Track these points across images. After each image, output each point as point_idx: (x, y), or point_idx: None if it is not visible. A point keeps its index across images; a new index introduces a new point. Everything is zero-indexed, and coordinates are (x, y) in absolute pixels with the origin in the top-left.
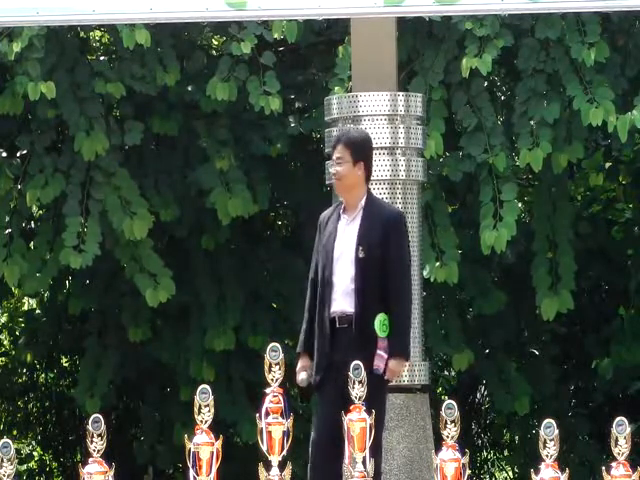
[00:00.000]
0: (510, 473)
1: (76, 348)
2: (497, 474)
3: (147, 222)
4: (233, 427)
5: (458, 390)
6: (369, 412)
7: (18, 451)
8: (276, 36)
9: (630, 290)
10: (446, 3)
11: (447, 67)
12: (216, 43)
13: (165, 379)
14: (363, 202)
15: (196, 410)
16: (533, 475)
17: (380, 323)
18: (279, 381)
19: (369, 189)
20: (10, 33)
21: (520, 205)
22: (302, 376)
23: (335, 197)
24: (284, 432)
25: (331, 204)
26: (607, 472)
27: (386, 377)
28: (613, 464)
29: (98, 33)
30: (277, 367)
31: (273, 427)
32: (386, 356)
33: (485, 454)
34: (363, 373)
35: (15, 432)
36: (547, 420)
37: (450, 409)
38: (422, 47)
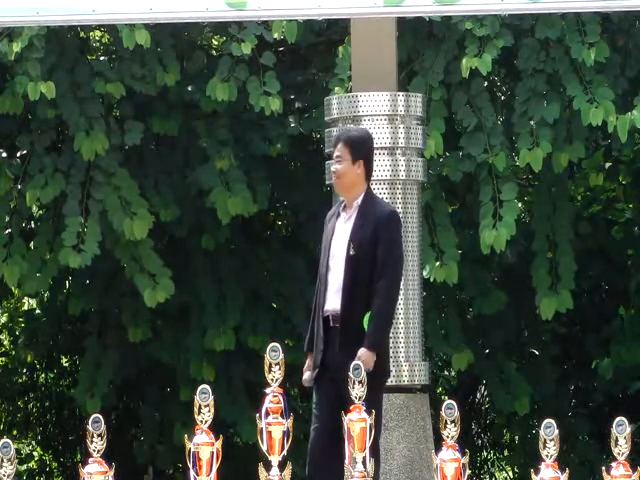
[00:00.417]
0: (510, 473)
1: (76, 348)
2: (497, 474)
3: (147, 222)
4: (233, 427)
5: (458, 390)
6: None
7: (18, 451)
8: (276, 36)
9: (630, 290)
10: (446, 3)
11: (447, 67)
12: (216, 43)
13: (165, 379)
14: (360, 200)
15: (196, 410)
16: (533, 475)
17: (368, 321)
18: (279, 381)
19: (369, 188)
20: (10, 33)
21: (520, 205)
22: (305, 376)
23: (335, 197)
24: (284, 432)
25: (331, 204)
26: (607, 472)
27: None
28: (613, 464)
29: (98, 33)
30: (277, 367)
31: (273, 427)
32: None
33: (485, 454)
34: (363, 373)
35: (15, 432)
36: (547, 420)
37: (450, 409)
38: (422, 47)
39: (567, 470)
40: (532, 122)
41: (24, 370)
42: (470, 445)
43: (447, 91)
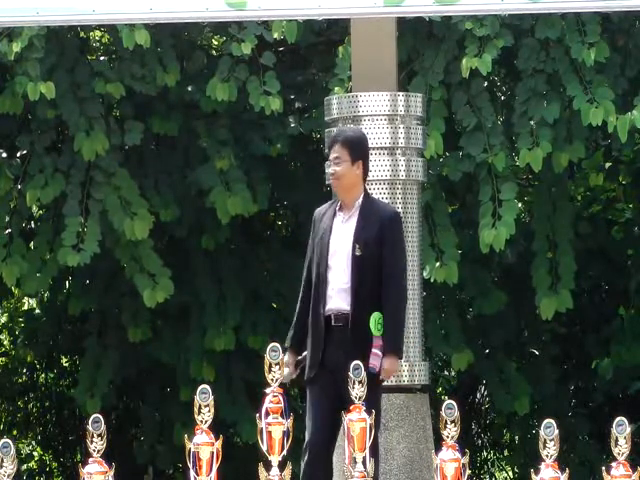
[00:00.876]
0: (510, 473)
1: (76, 348)
2: (497, 474)
3: (147, 222)
4: (233, 427)
5: (458, 390)
6: (368, 409)
7: (18, 451)
8: (276, 36)
9: (630, 290)
10: (446, 3)
11: (447, 67)
12: (216, 43)
13: (165, 379)
14: (360, 200)
15: (196, 410)
16: (533, 475)
17: (375, 322)
18: (279, 381)
19: (366, 188)
20: (10, 33)
21: (520, 205)
22: (285, 372)
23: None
24: (284, 432)
25: None
26: (607, 472)
27: (381, 377)
28: (613, 464)
29: (98, 33)
30: (277, 367)
31: (273, 427)
32: (381, 355)
33: (485, 454)
34: (363, 373)
35: (15, 432)
36: (547, 420)
37: (450, 409)
38: (422, 47)
39: (567, 470)
40: (532, 122)
41: (24, 370)
42: (470, 445)
43: (447, 91)
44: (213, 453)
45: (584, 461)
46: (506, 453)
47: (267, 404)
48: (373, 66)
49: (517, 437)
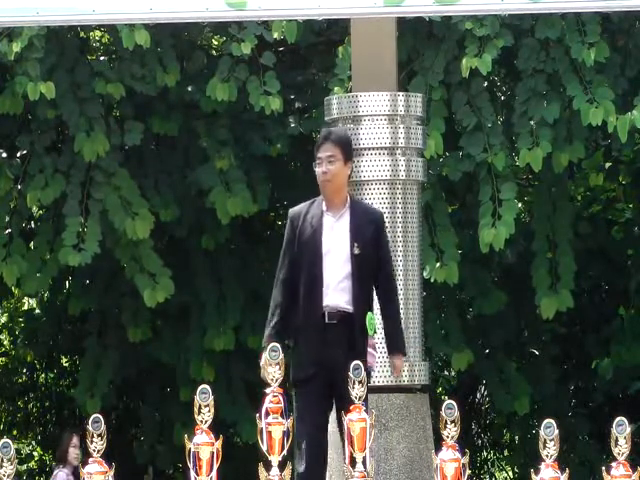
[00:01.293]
0: (510, 473)
1: (76, 348)
2: (497, 474)
3: (148, 222)
4: (233, 427)
5: (458, 390)
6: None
7: (18, 451)
8: (276, 36)
9: (630, 290)
10: (446, 3)
11: (447, 67)
12: (216, 43)
13: (165, 379)
14: (349, 201)
15: (196, 410)
16: (533, 475)
17: (369, 321)
18: (279, 381)
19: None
20: (10, 33)
21: (520, 205)
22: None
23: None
24: (284, 432)
25: None
26: (607, 472)
27: (394, 376)
28: (613, 464)
29: (98, 33)
30: (277, 367)
31: (273, 427)
32: (376, 354)
33: (485, 454)
34: (363, 373)
35: (15, 432)
36: (547, 420)
37: (450, 409)
38: (422, 47)
39: (567, 470)
40: (532, 122)
41: (24, 370)
42: (470, 445)
43: (447, 91)
44: (213, 453)
45: (584, 461)
46: (506, 453)
47: (267, 404)
48: (373, 66)
49: (517, 437)
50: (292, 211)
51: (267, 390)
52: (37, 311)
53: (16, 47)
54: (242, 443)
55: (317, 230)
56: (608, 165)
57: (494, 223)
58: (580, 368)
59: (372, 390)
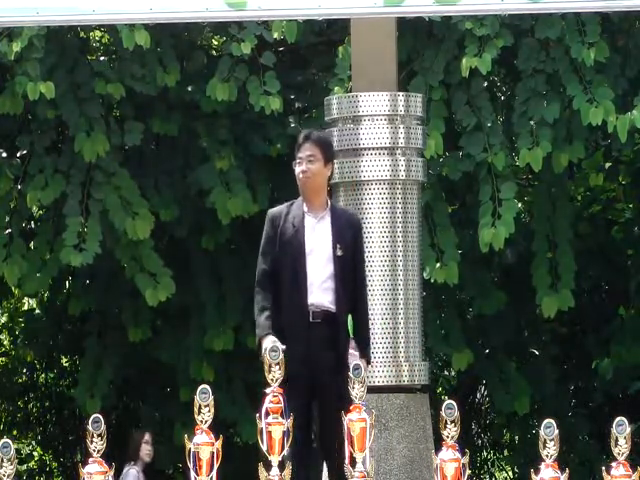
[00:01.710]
0: (510, 473)
1: (76, 348)
2: (497, 474)
3: (149, 222)
4: (233, 427)
5: (458, 390)
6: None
7: (18, 451)
8: (276, 36)
9: (630, 290)
10: (446, 3)
11: (447, 67)
12: (216, 43)
13: (165, 379)
14: (329, 202)
15: (196, 410)
16: (533, 475)
17: (349, 323)
18: (279, 381)
19: None
20: (10, 33)
21: (520, 205)
22: (277, 344)
23: (336, 199)
24: (284, 432)
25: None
26: (607, 472)
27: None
28: (613, 464)
29: (98, 33)
30: (277, 367)
31: (273, 427)
32: (357, 354)
33: (485, 454)
34: (363, 373)
35: (15, 432)
36: (547, 420)
37: (450, 409)
38: (422, 47)
39: (567, 470)
40: (532, 122)
41: (24, 370)
42: (470, 445)
43: (447, 91)
44: (213, 453)
45: (584, 461)
46: (506, 453)
47: (267, 404)
48: (373, 66)
49: (517, 437)
50: (272, 211)
51: (267, 390)
52: (37, 311)
53: (16, 47)
54: (242, 443)
55: (299, 230)
56: (608, 165)
57: (494, 223)
58: (580, 368)
59: (372, 390)
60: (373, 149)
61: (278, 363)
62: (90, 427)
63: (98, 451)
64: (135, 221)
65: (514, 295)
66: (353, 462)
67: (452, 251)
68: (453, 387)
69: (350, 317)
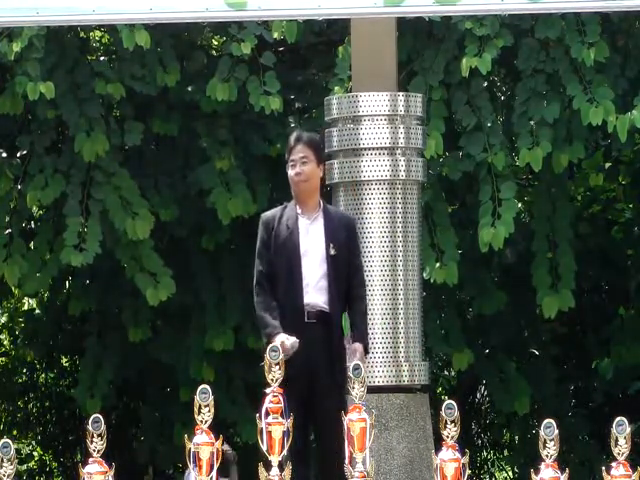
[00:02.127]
0: (510, 473)
1: (76, 348)
2: (497, 474)
3: (149, 222)
4: (233, 427)
5: (458, 390)
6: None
7: (18, 451)
8: (276, 36)
9: (630, 290)
10: (446, 3)
11: (447, 67)
12: (216, 43)
13: (165, 379)
14: (322, 203)
15: (196, 410)
16: (533, 475)
17: (345, 322)
18: (279, 381)
19: None
20: (10, 33)
21: (520, 205)
22: (291, 340)
23: (337, 199)
24: (284, 432)
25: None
26: (607, 472)
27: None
28: (613, 464)
29: (98, 33)
30: (277, 367)
31: (273, 427)
32: (353, 346)
33: (485, 454)
34: (363, 373)
35: (15, 432)
36: (547, 420)
37: (450, 409)
38: (422, 47)
39: (567, 470)
40: (532, 122)
41: (24, 370)
42: (470, 445)
43: (447, 91)
44: (213, 453)
45: (584, 461)
46: (506, 453)
47: (267, 404)
48: (373, 66)
49: (517, 437)
50: (265, 215)
51: (267, 390)
52: (37, 311)
53: (16, 47)
54: (242, 443)
55: (294, 232)
56: (608, 165)
57: (494, 223)
58: (580, 368)
59: (372, 390)
60: (373, 149)
61: (278, 363)
62: (90, 427)
63: (98, 451)
64: (135, 221)
65: (514, 295)
66: (353, 462)
67: (452, 251)
68: (453, 387)
69: (344, 316)
